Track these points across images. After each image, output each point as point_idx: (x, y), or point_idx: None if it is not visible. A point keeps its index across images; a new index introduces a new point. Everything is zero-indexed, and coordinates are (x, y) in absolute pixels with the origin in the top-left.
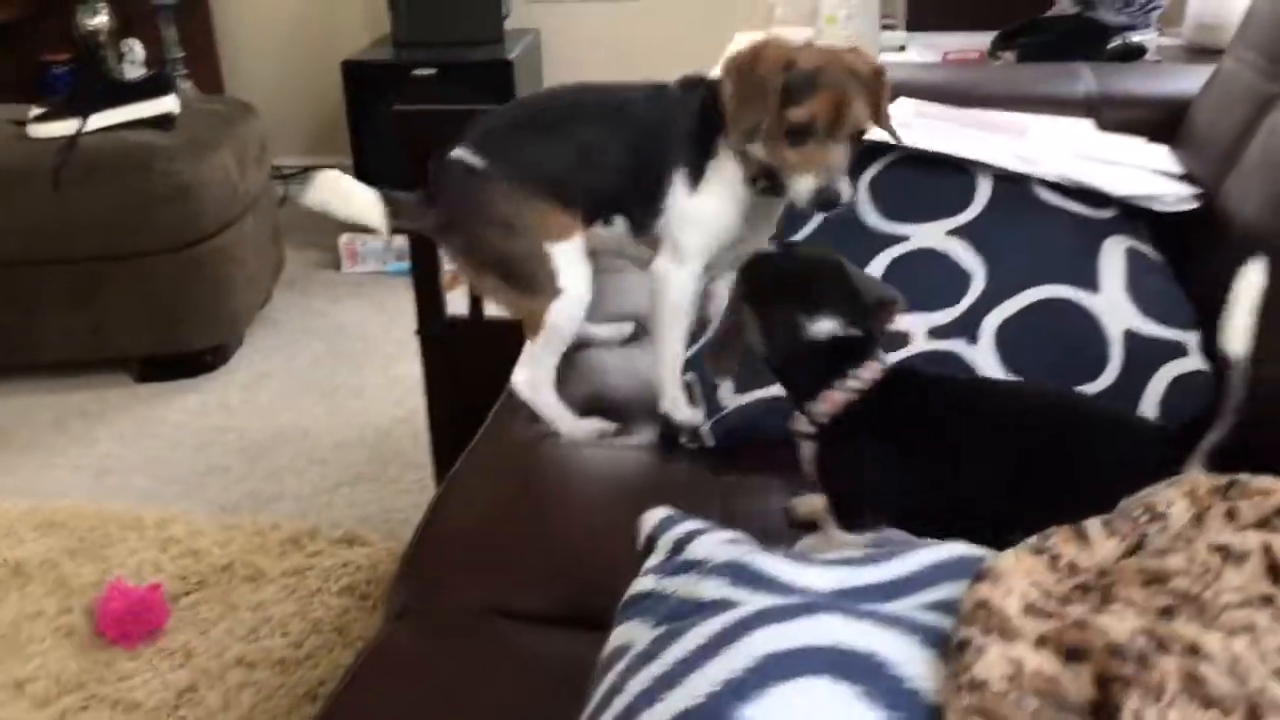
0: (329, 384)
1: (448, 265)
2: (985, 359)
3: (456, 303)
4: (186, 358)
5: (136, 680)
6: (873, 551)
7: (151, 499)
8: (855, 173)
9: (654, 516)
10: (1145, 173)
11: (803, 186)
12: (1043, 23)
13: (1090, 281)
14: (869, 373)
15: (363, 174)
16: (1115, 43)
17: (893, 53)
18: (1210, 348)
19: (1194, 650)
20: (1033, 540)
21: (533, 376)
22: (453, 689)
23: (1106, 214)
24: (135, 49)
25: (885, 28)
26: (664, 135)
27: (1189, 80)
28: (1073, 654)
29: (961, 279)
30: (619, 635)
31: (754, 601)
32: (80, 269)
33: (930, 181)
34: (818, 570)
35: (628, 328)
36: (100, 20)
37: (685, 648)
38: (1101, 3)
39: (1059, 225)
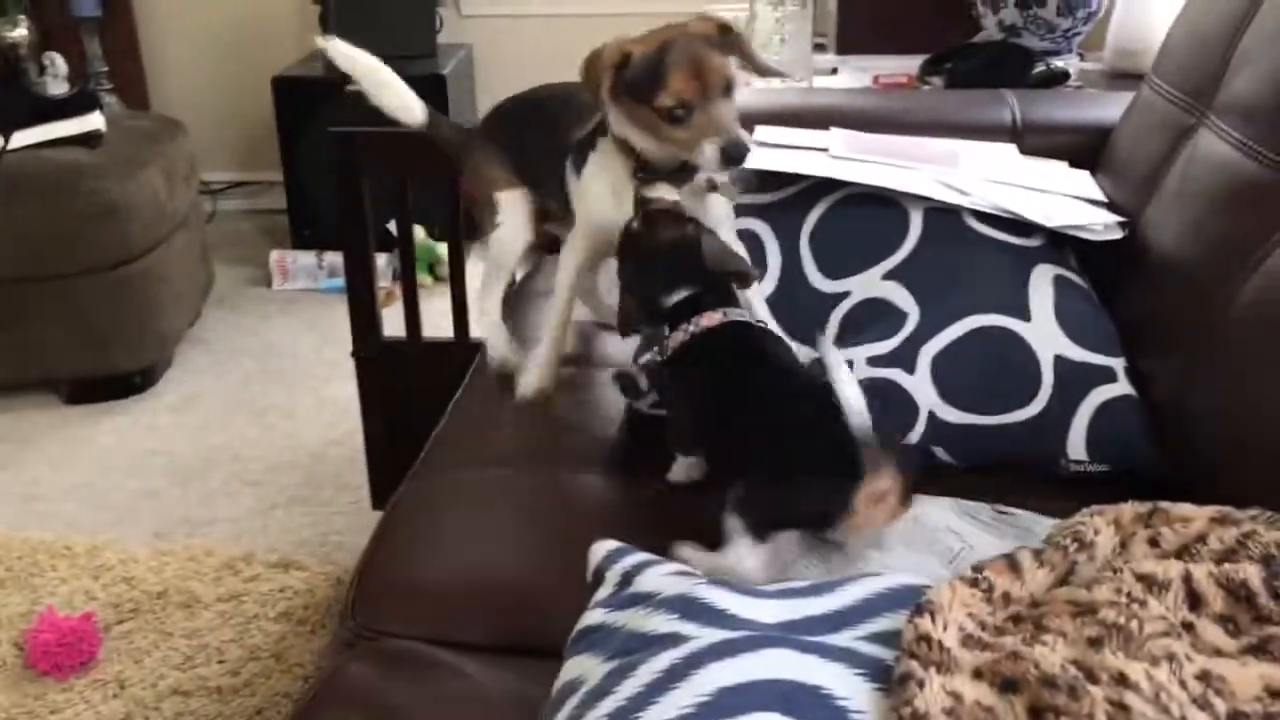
0: (260, 404)
1: (382, 283)
2: (923, 388)
3: (392, 320)
4: (115, 379)
5: (69, 713)
6: (816, 583)
7: (82, 525)
8: (795, 224)
9: (602, 549)
10: (1075, 202)
11: (707, 153)
12: (969, 48)
13: (1021, 310)
14: (707, 320)
15: (293, 189)
16: (1039, 68)
17: (825, 76)
18: (1134, 373)
19: (1121, 680)
20: (967, 572)
21: (482, 302)
22: None
23: (1034, 242)
24: (57, 62)
25: (817, 47)
26: (570, 128)
27: (1110, 108)
28: (1007, 685)
29: (898, 317)
30: (570, 669)
31: (704, 635)
32: (4, 290)
33: (865, 224)
34: (764, 603)
35: None
36: (20, 33)
37: (639, 683)
38: (1026, 29)
39: (989, 254)
